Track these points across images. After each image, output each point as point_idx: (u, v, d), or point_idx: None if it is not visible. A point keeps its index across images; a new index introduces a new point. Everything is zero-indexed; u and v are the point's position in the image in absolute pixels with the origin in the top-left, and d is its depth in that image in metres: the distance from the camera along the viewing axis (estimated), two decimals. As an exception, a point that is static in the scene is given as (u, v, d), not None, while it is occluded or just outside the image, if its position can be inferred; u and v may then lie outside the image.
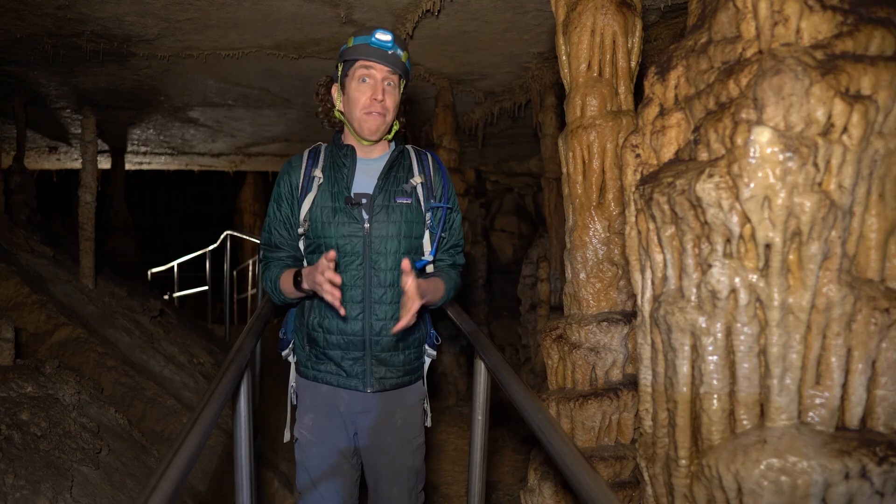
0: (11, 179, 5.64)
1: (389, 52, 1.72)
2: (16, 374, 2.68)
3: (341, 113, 1.82)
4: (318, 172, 1.82)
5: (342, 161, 1.82)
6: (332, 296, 1.58)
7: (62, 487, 2.24)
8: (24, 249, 4.65)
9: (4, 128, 6.41)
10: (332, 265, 1.57)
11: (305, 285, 1.69)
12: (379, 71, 1.74)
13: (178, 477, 1.03)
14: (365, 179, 1.81)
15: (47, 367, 2.88)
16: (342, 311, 1.63)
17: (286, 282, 1.78)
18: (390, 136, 1.86)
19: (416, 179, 1.83)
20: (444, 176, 1.88)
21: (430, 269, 1.88)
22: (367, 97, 1.74)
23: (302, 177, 1.83)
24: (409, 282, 1.59)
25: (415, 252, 1.82)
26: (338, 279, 1.57)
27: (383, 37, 1.72)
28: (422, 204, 1.82)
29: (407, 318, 1.59)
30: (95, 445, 2.61)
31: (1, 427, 2.29)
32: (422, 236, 1.83)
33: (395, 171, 1.83)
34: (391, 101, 1.77)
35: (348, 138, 1.85)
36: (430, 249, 1.83)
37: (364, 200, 1.78)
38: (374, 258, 1.76)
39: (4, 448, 2.21)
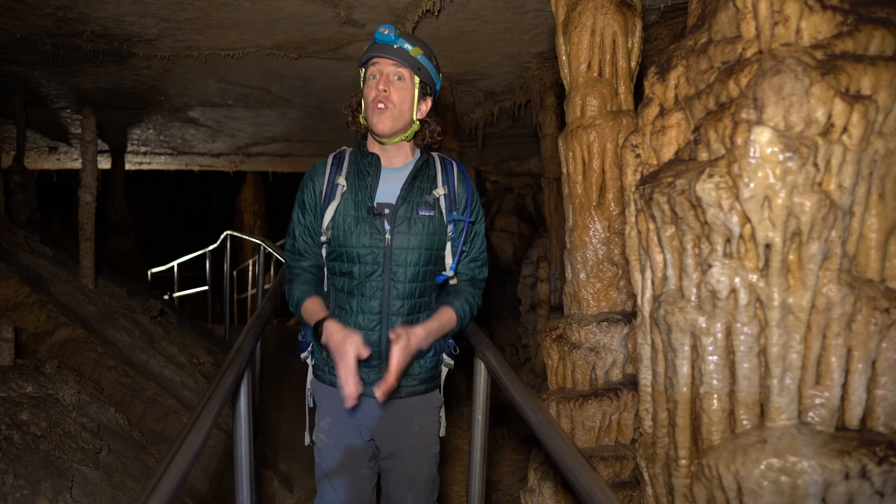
0: (11, 179, 5.65)
1: (394, 47, 1.71)
2: (16, 374, 2.68)
3: (364, 118, 1.80)
4: (341, 180, 1.79)
5: (366, 169, 1.80)
6: (349, 397, 1.58)
7: (62, 487, 2.24)
8: (24, 249, 4.66)
9: (4, 128, 6.42)
10: (357, 361, 1.58)
11: (323, 342, 1.68)
12: (384, 65, 1.72)
13: (178, 477, 1.03)
14: (388, 189, 1.79)
15: (47, 367, 2.88)
16: (349, 405, 1.60)
17: (308, 317, 1.76)
18: (408, 136, 1.81)
19: (439, 191, 1.80)
20: (468, 187, 1.85)
21: (453, 282, 1.85)
22: (375, 91, 1.72)
23: (326, 184, 1.80)
24: (395, 356, 1.58)
25: (435, 264, 1.79)
26: (359, 388, 1.58)
27: (385, 30, 1.71)
28: (444, 216, 1.79)
29: (384, 389, 1.58)
30: (95, 445, 2.61)
31: (1, 427, 2.29)
32: (443, 248, 1.80)
33: (419, 182, 1.80)
34: (397, 95, 1.73)
35: (373, 146, 1.83)
36: (451, 263, 1.79)
37: (386, 211, 1.75)
38: (393, 269, 1.75)
39: (4, 448, 2.21)
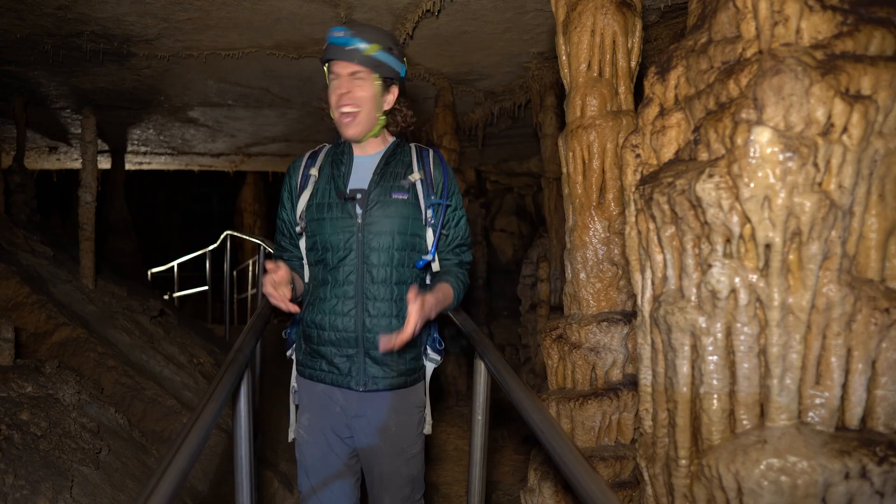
0: (11, 179, 5.65)
1: (346, 48, 1.69)
2: (16, 374, 2.68)
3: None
4: (314, 171, 1.83)
5: (340, 158, 1.83)
6: (279, 300, 1.61)
7: (62, 487, 2.24)
8: (24, 249, 4.66)
9: (4, 128, 6.42)
10: (276, 276, 1.61)
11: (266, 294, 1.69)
12: (342, 67, 1.72)
13: (178, 477, 1.02)
14: (362, 176, 1.81)
15: (47, 367, 2.88)
16: (293, 309, 1.64)
17: None
18: (375, 132, 1.82)
19: (415, 176, 1.81)
20: (444, 172, 1.85)
21: (435, 266, 1.86)
22: (336, 95, 1.73)
23: (300, 176, 1.84)
24: (413, 308, 1.59)
25: (411, 249, 1.80)
26: (278, 276, 1.60)
27: (337, 33, 1.70)
28: (421, 200, 1.80)
29: (394, 341, 1.59)
30: (95, 445, 2.61)
31: (1, 427, 2.29)
32: (418, 233, 1.81)
33: (392, 167, 1.82)
34: (361, 92, 1.73)
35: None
36: (429, 248, 1.81)
37: (359, 196, 1.77)
38: (366, 253, 1.75)
39: (4, 448, 2.21)
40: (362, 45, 1.70)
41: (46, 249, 4.90)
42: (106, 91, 5.39)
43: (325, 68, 1.80)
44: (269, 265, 1.63)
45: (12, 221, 5.11)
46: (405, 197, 1.78)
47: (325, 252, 1.78)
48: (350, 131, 1.76)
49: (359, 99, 1.73)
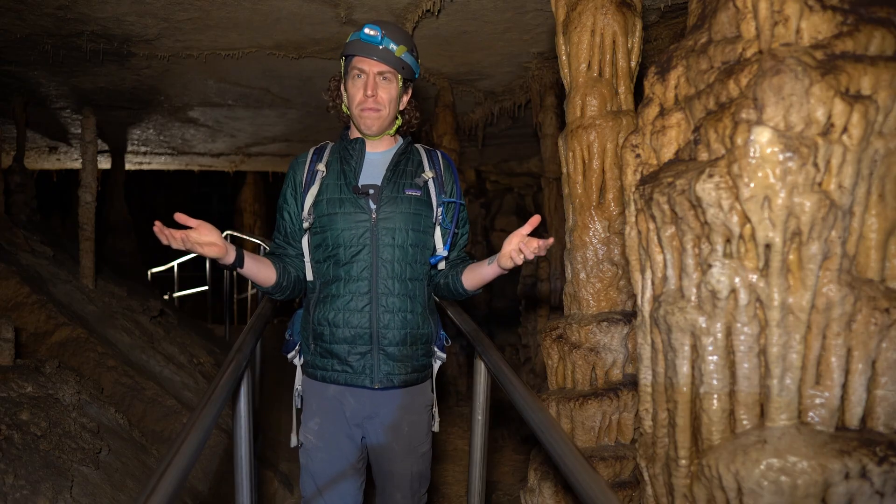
0: (11, 179, 5.65)
1: (380, 47, 1.71)
2: (16, 374, 2.68)
3: (348, 108, 1.83)
4: (321, 167, 1.81)
5: (350, 153, 1.82)
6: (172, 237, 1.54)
7: (62, 487, 2.24)
8: (24, 249, 4.66)
9: (4, 128, 6.42)
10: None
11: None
12: (370, 66, 1.73)
13: (178, 477, 1.02)
14: (372, 172, 1.81)
15: (47, 367, 2.88)
16: (189, 223, 1.58)
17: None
18: (392, 132, 1.85)
19: (428, 174, 1.83)
20: (454, 173, 1.88)
21: (441, 265, 1.86)
22: (361, 93, 1.74)
23: (306, 172, 1.83)
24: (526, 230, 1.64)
25: (422, 246, 1.80)
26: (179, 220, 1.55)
27: (370, 31, 1.71)
28: (433, 198, 1.81)
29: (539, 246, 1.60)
30: (95, 445, 2.61)
31: (1, 427, 2.29)
32: (429, 230, 1.81)
33: (403, 165, 1.83)
34: (385, 95, 1.75)
35: (355, 133, 1.86)
36: (442, 245, 1.81)
37: (372, 191, 1.77)
38: (380, 249, 1.75)
39: (4, 448, 2.21)
40: (392, 46, 1.72)
41: (46, 249, 4.90)
42: (106, 91, 5.39)
43: (343, 61, 1.80)
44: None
45: (12, 221, 5.12)
46: (418, 194, 1.80)
47: (336, 248, 1.77)
48: (371, 127, 1.78)
49: (383, 101, 1.76)
